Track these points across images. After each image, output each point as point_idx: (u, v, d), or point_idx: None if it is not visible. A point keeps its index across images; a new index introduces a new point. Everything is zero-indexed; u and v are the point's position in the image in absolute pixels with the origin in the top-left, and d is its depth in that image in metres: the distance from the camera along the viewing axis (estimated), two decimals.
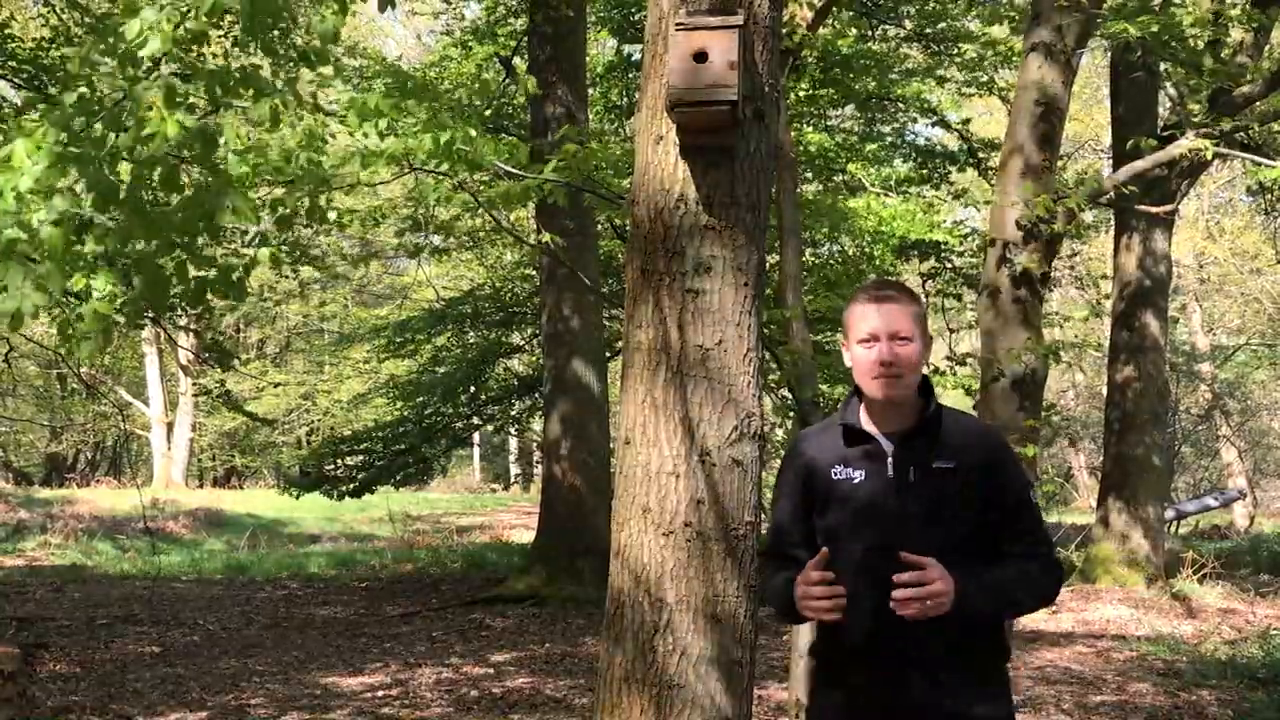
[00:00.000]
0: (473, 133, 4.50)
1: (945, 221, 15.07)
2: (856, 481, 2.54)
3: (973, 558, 2.48)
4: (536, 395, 14.99)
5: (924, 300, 14.30)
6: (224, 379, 13.52)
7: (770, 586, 2.67)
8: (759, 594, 2.76)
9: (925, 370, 2.63)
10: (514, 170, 4.76)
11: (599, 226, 11.93)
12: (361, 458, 13.76)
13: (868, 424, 2.59)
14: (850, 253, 13.64)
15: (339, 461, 13.90)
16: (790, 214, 5.41)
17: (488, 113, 13.12)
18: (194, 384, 21.21)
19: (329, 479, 13.59)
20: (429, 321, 14.85)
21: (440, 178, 4.91)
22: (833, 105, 14.09)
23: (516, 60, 13.41)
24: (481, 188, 5.03)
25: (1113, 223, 13.86)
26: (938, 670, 2.48)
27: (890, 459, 2.53)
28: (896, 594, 2.39)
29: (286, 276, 13.41)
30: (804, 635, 4.79)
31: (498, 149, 4.66)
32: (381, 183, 4.69)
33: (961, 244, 13.73)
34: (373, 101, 4.43)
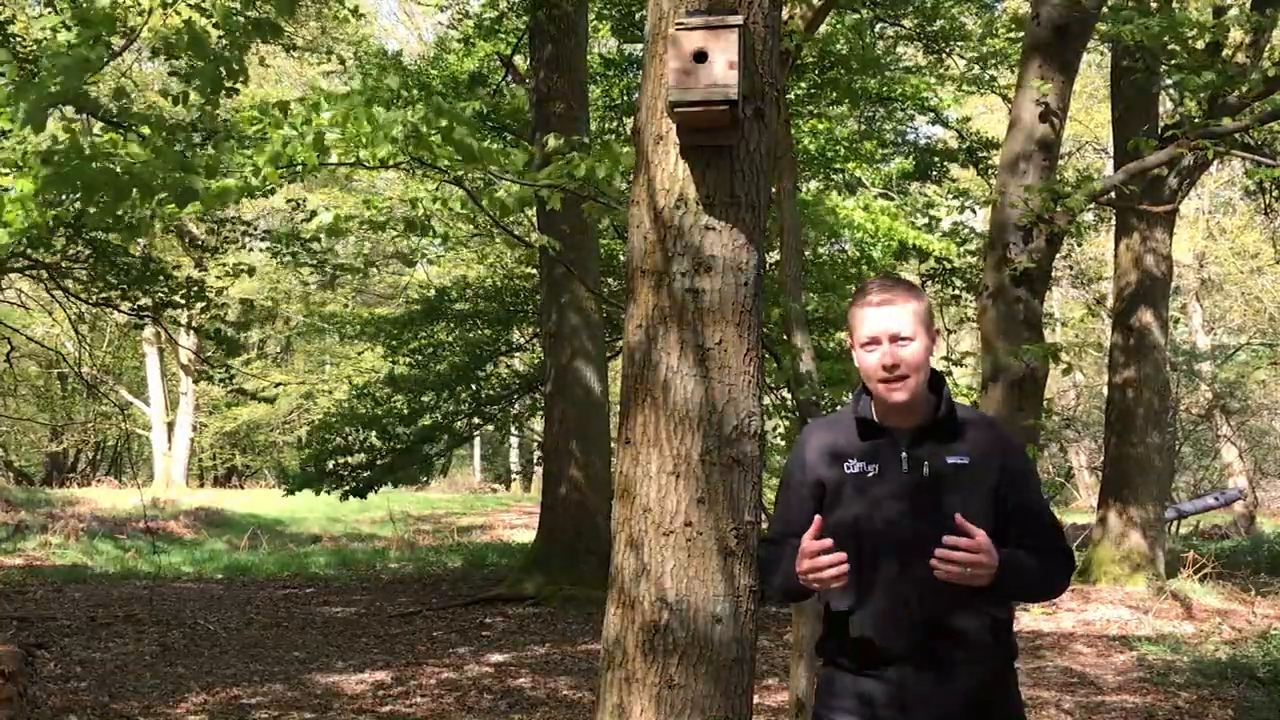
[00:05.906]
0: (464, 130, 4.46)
1: (944, 222, 15.06)
2: (870, 476, 2.55)
3: None
4: (536, 395, 14.97)
5: None
6: (230, 364, 13.37)
7: (774, 566, 2.67)
8: (759, 582, 2.77)
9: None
10: (509, 176, 4.74)
11: (599, 226, 11.93)
12: (363, 455, 13.71)
13: (880, 418, 2.60)
14: (850, 253, 13.62)
15: (337, 460, 13.85)
16: (790, 213, 5.40)
17: (487, 110, 13.09)
18: (199, 373, 21.15)
19: (328, 475, 13.54)
20: (424, 316, 14.79)
21: (437, 175, 4.87)
22: (833, 104, 14.08)
23: (517, 59, 13.41)
24: (480, 187, 5.01)
25: (1113, 222, 13.85)
26: (948, 664, 2.48)
27: (904, 454, 2.54)
28: (939, 553, 2.39)
29: (286, 263, 13.35)
30: (806, 633, 4.78)
31: (493, 152, 4.62)
32: (385, 166, 4.62)
33: (959, 257, 13.72)
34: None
